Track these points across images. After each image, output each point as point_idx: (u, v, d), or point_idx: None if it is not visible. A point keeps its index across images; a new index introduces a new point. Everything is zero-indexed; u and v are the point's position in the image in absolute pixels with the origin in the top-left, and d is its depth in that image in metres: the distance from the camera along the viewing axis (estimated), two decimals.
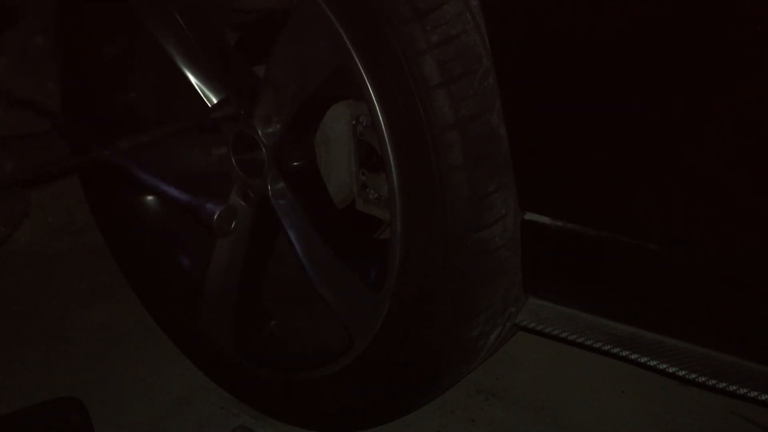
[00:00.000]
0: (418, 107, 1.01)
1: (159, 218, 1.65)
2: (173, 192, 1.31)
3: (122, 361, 1.75)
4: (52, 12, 1.53)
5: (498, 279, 1.12)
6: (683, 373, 1.03)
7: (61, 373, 1.72)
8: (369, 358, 1.25)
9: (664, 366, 1.04)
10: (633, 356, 1.06)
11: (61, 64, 1.57)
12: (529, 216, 1.08)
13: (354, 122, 1.35)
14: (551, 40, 0.94)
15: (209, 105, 1.36)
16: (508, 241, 1.10)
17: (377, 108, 1.06)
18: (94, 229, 1.77)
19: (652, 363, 1.05)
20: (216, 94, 1.36)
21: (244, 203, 1.39)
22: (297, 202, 1.31)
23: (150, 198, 1.64)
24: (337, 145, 1.41)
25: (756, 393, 0.98)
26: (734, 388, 0.99)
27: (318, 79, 1.17)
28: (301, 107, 1.23)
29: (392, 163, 1.07)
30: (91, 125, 1.61)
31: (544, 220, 1.07)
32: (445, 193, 1.04)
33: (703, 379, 1.01)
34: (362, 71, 1.06)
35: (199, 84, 1.36)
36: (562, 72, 0.95)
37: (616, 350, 1.08)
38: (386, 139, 1.07)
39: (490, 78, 1.01)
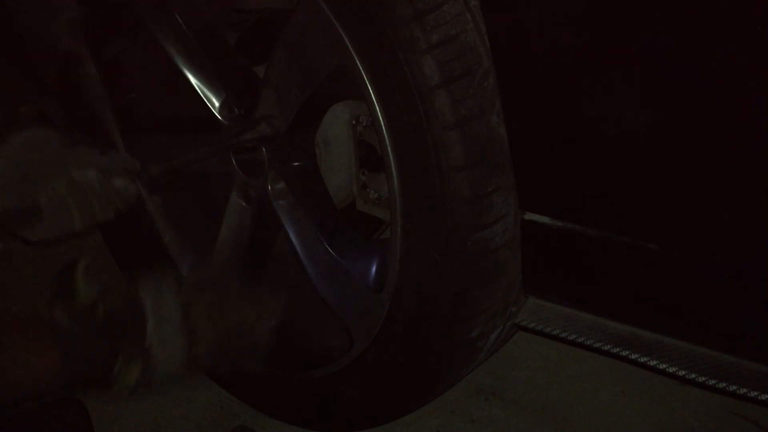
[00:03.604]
0: (418, 107, 1.01)
1: (159, 218, 1.64)
2: None
3: None
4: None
5: (498, 279, 1.12)
6: (683, 373, 1.03)
7: None
8: (369, 358, 1.25)
9: (664, 366, 1.04)
10: (633, 356, 1.06)
11: (59, 63, 1.57)
12: (529, 216, 1.08)
13: (354, 122, 1.35)
14: (551, 40, 0.94)
15: (211, 107, 1.36)
16: (508, 241, 1.10)
17: (377, 108, 1.06)
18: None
19: (652, 363, 1.05)
20: (216, 95, 1.36)
21: (244, 203, 1.39)
22: (297, 202, 1.31)
23: (150, 197, 1.63)
24: (337, 145, 1.41)
25: (756, 393, 0.98)
26: (734, 388, 0.99)
27: (318, 79, 1.17)
28: (301, 107, 1.23)
29: (392, 163, 1.07)
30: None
31: (544, 220, 1.07)
32: (445, 193, 1.04)
33: (703, 379, 1.01)
34: (362, 71, 1.06)
35: (200, 84, 1.36)
36: (562, 72, 0.95)
37: (616, 350, 1.08)
38: (386, 139, 1.07)
39: (490, 78, 1.01)
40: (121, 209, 1.05)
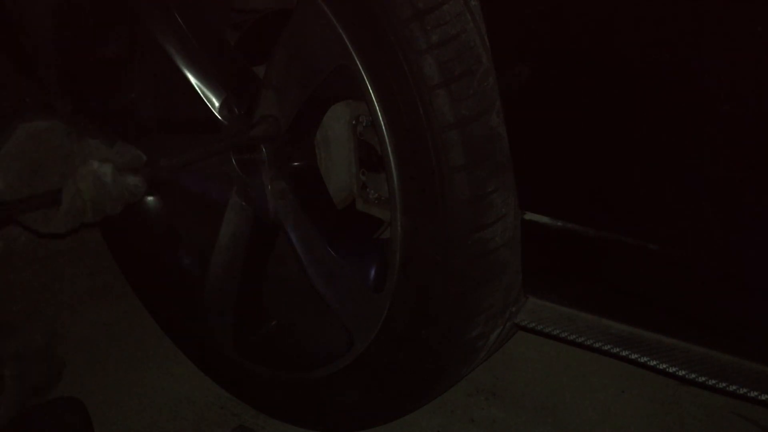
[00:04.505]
0: (418, 107, 1.01)
1: (159, 217, 1.64)
2: None
3: (122, 361, 1.75)
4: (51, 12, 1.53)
5: (498, 279, 1.12)
6: (683, 373, 1.03)
7: None
8: (369, 358, 1.25)
9: (664, 366, 1.04)
10: (633, 356, 1.06)
11: (60, 63, 1.57)
12: (529, 216, 1.08)
13: (354, 122, 1.35)
14: (551, 40, 0.94)
15: (211, 107, 1.36)
16: (508, 241, 1.10)
17: (377, 108, 1.06)
18: (94, 228, 1.77)
19: (652, 363, 1.05)
20: (216, 95, 1.36)
21: (244, 203, 1.39)
22: (297, 203, 1.31)
23: (150, 197, 1.64)
24: (337, 145, 1.41)
25: (756, 393, 0.98)
26: (734, 388, 0.99)
27: (318, 79, 1.17)
28: (301, 107, 1.23)
29: (392, 163, 1.07)
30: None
31: (544, 220, 1.07)
32: (445, 193, 1.04)
33: (703, 379, 1.01)
34: (362, 71, 1.06)
35: (200, 84, 1.36)
36: (562, 72, 0.95)
37: (616, 350, 1.08)
38: (386, 139, 1.07)
39: (490, 78, 1.01)
40: (129, 203, 1.06)
